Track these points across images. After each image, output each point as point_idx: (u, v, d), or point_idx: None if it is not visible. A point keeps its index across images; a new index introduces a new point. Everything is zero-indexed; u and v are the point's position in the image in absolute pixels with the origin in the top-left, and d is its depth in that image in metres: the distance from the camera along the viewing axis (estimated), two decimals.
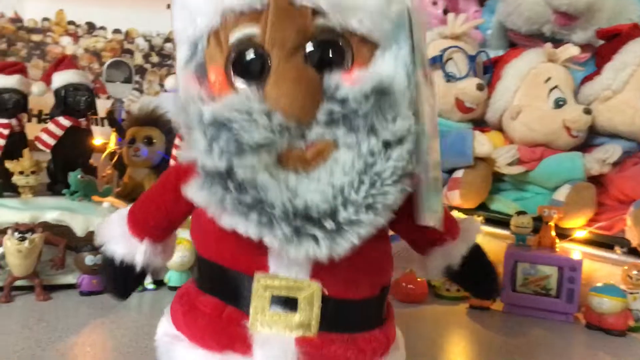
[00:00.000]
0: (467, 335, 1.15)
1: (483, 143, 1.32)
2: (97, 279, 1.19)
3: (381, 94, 0.54)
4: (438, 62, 1.36)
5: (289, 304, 0.59)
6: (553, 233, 1.23)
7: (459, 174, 1.34)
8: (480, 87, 1.34)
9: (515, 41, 1.67)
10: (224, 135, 0.52)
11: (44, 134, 1.24)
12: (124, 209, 0.72)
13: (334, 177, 0.53)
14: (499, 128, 1.40)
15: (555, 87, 1.31)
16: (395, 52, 0.57)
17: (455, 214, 1.33)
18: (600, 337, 1.11)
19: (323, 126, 0.54)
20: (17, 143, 1.26)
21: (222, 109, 0.53)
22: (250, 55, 0.56)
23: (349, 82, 0.55)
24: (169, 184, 0.66)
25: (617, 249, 1.25)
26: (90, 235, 1.23)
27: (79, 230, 1.20)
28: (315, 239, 0.52)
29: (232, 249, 0.60)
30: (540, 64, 1.34)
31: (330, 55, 0.56)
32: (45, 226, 1.19)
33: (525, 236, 1.24)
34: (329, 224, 0.52)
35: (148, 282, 1.24)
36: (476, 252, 0.73)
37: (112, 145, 1.42)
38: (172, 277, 1.25)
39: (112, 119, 1.41)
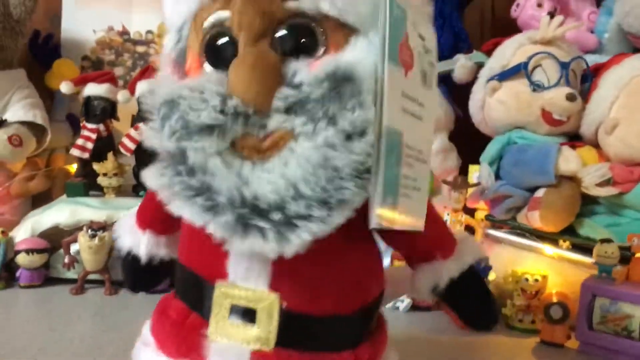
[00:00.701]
0: None
1: (569, 160, 1.17)
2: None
3: (340, 79, 0.50)
4: (523, 69, 1.24)
5: (248, 315, 0.56)
6: None
7: (540, 193, 1.20)
8: (571, 97, 1.20)
9: (637, 45, 1.48)
10: (175, 114, 0.51)
11: (126, 139, 1.33)
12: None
13: (287, 168, 0.49)
14: (595, 144, 1.23)
15: None
16: (371, 38, 0.53)
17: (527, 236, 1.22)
18: None
19: (282, 114, 0.51)
20: (105, 147, 1.36)
21: (176, 87, 0.53)
22: (220, 40, 0.55)
23: (312, 69, 0.52)
24: None
25: None
26: None
27: None
28: (262, 231, 0.49)
29: (198, 252, 0.60)
30: None
31: (302, 41, 0.53)
32: None
33: (611, 267, 1.08)
34: (276, 216, 0.49)
35: None
36: (469, 277, 0.66)
37: None
38: None
39: None
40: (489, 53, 1.39)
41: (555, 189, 1.18)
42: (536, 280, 1.15)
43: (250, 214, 0.49)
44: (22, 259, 1.21)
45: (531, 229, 1.24)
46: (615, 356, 1.03)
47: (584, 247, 1.20)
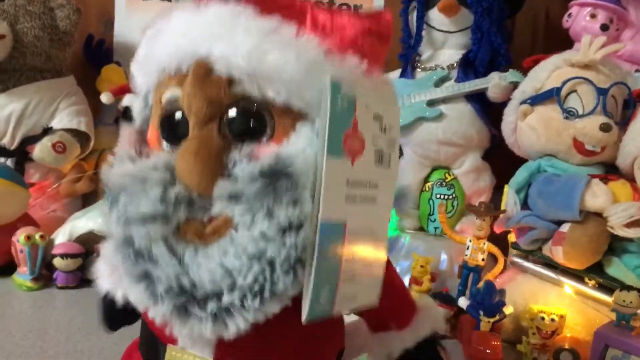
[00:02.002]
0: None
1: (597, 195, 1.10)
2: None
3: (276, 174, 0.51)
4: (555, 95, 1.17)
5: None
6: None
7: (565, 228, 1.14)
8: (605, 128, 1.12)
9: None
10: (122, 200, 0.54)
11: None
12: None
13: (226, 257, 0.51)
14: (632, 177, 1.15)
15: None
16: (317, 125, 0.54)
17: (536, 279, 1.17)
18: None
19: (224, 201, 0.52)
20: None
21: (121, 174, 0.55)
22: (175, 117, 0.57)
23: (255, 158, 0.53)
24: None
25: None
26: None
27: None
28: (199, 319, 0.51)
29: None
30: None
31: (249, 125, 0.54)
32: None
33: (630, 316, 1.02)
34: (211, 307, 0.51)
35: None
36: (424, 347, 0.65)
37: None
38: None
39: None
40: (528, 70, 1.32)
41: (581, 225, 1.12)
42: (552, 319, 1.11)
43: (187, 302, 0.51)
44: (58, 262, 1.30)
45: (556, 263, 1.19)
46: None
47: (609, 287, 1.14)
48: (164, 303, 0.51)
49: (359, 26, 0.58)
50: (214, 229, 0.52)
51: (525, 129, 1.23)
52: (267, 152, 0.53)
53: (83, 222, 1.35)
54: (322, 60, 0.54)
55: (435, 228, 1.43)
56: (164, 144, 0.58)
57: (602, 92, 1.15)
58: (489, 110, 1.37)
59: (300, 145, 0.53)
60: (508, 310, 1.16)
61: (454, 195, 1.41)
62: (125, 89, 1.41)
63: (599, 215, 1.12)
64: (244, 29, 0.53)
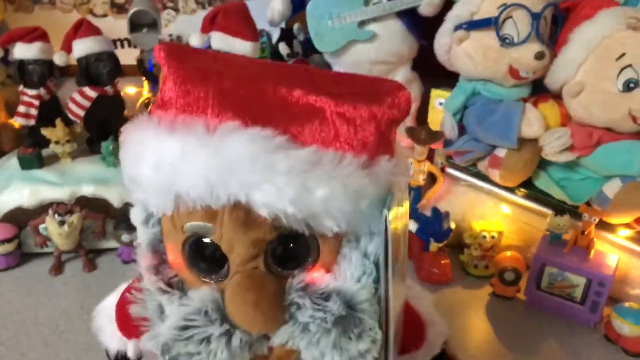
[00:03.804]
0: (484, 321, 1.19)
1: (532, 123, 1.18)
2: (134, 251, 1.27)
3: (347, 320, 0.52)
4: (494, 24, 1.16)
5: None
6: (592, 235, 1.15)
7: (501, 153, 1.23)
8: (540, 56, 1.15)
9: None
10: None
11: (73, 105, 1.23)
12: (119, 293, 0.73)
13: None
14: (559, 95, 1.22)
15: (629, 66, 1.10)
16: (364, 247, 0.54)
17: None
18: (615, 351, 1.11)
19: (286, 333, 0.53)
20: (51, 110, 1.27)
21: (180, 338, 0.54)
22: (207, 250, 0.54)
23: (311, 284, 0.53)
24: None
25: None
26: (126, 206, 1.29)
27: (115, 202, 1.26)
28: None
29: None
30: (618, 32, 1.11)
31: (294, 253, 0.53)
32: (84, 199, 1.26)
33: (561, 234, 1.18)
34: None
35: None
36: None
37: (145, 94, 1.39)
38: None
39: (143, 69, 1.36)
40: None
41: (517, 152, 1.21)
42: (493, 237, 1.24)
43: None
44: None
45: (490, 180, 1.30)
46: (557, 313, 1.18)
47: (537, 198, 1.28)
48: None
49: (382, 117, 0.54)
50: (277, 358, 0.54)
51: (461, 54, 1.23)
52: (321, 281, 0.53)
53: (5, 198, 1.23)
54: (366, 183, 0.52)
55: None
56: (197, 272, 0.55)
57: (536, 17, 1.16)
58: (420, 24, 1.34)
59: (356, 274, 0.53)
60: (453, 225, 1.28)
61: None
62: (13, 37, 1.20)
63: (530, 141, 1.21)
64: (284, 170, 0.49)
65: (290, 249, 0.53)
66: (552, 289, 1.17)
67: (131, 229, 1.26)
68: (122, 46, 1.65)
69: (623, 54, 1.11)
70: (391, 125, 0.55)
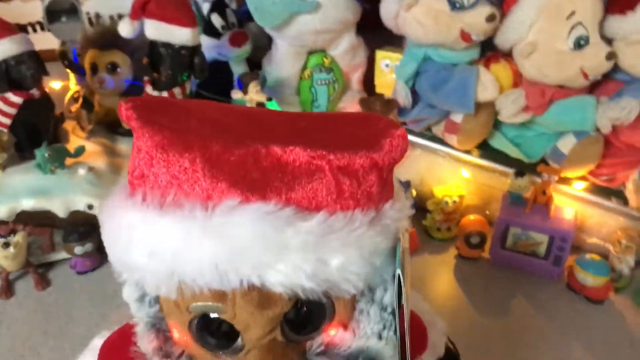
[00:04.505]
0: (453, 283, 1.23)
1: (486, 87, 1.18)
2: (89, 260, 1.20)
3: None
4: None
5: None
6: (551, 193, 1.19)
7: (457, 118, 1.23)
8: (491, 19, 1.13)
9: None
10: None
11: None
12: (94, 350, 0.66)
13: None
14: (509, 53, 1.21)
15: (579, 23, 1.11)
16: (379, 298, 0.53)
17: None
18: (579, 300, 1.18)
19: None
20: None
21: None
22: (216, 325, 0.51)
23: (332, 345, 0.52)
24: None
25: (614, 200, 1.22)
26: (73, 215, 1.20)
27: (61, 212, 1.16)
28: None
29: None
30: None
31: (309, 315, 0.51)
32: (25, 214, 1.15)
33: (521, 194, 1.20)
34: None
35: None
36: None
37: (73, 87, 1.27)
38: None
39: (67, 61, 1.22)
40: None
41: (473, 117, 1.21)
42: (454, 201, 1.26)
43: None
44: None
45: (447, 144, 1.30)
46: (522, 269, 1.23)
47: (493, 158, 1.30)
48: None
49: (383, 164, 0.51)
50: None
51: (411, 21, 1.19)
52: (341, 341, 0.52)
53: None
54: (379, 242, 0.50)
55: None
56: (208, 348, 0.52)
57: None
58: None
59: (377, 328, 0.52)
60: (413, 193, 1.29)
61: (334, 78, 1.37)
62: None
63: (487, 103, 1.21)
64: (297, 246, 0.45)
65: (305, 314, 0.50)
66: (516, 248, 1.21)
67: (84, 239, 1.20)
68: (35, 30, 1.48)
69: (573, 12, 1.11)
70: (392, 170, 0.52)
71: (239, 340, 0.50)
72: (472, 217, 1.25)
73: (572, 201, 1.24)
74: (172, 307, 0.51)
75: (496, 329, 1.10)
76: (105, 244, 0.51)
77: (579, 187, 1.23)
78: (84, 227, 1.17)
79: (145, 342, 0.54)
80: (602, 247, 1.24)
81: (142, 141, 0.47)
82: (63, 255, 1.21)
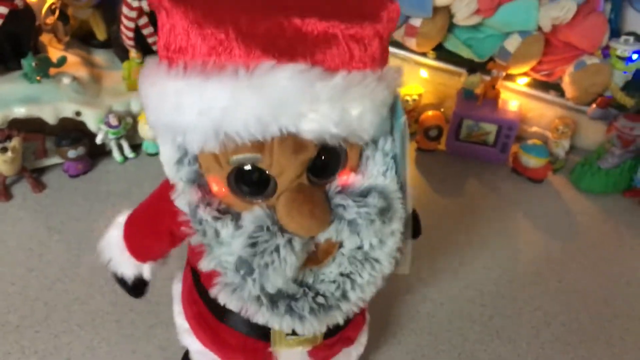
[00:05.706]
0: (415, 173, 1.38)
1: None
2: (81, 164, 1.28)
3: (385, 210, 0.62)
4: None
5: None
6: (498, 87, 1.34)
7: (416, 22, 1.34)
8: None
9: None
10: (255, 274, 0.61)
11: None
12: (120, 226, 0.78)
13: (341, 267, 0.65)
14: None
15: None
16: (382, 146, 0.63)
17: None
18: (522, 180, 1.35)
19: (334, 230, 0.62)
20: None
21: (254, 254, 0.60)
22: (255, 176, 0.60)
23: (347, 186, 0.62)
24: (163, 226, 0.72)
25: (552, 92, 1.38)
26: (62, 121, 1.27)
27: (50, 119, 1.23)
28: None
29: None
30: None
31: (330, 165, 0.61)
32: (17, 121, 1.21)
33: (473, 90, 1.34)
34: (345, 306, 0.66)
35: (128, 151, 1.33)
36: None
37: None
38: (148, 147, 1.36)
39: None
40: None
41: (431, 20, 1.32)
42: (414, 100, 1.39)
43: (320, 310, 0.65)
44: None
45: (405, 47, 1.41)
46: (473, 157, 1.39)
47: (448, 59, 1.43)
48: (308, 322, 0.65)
49: (384, 32, 0.62)
50: (326, 252, 0.64)
51: None
52: (354, 182, 0.62)
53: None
54: (386, 95, 0.59)
55: None
56: (245, 194, 0.60)
57: None
58: None
59: (382, 170, 0.63)
60: None
61: None
62: None
63: (443, 7, 1.32)
64: (326, 98, 0.54)
65: (325, 160, 0.60)
66: (469, 139, 1.36)
67: (76, 143, 1.27)
68: None
69: None
70: (389, 38, 0.63)
71: (270, 186, 0.60)
72: (430, 112, 1.38)
73: (516, 95, 1.39)
74: (212, 163, 0.59)
75: (454, 207, 1.27)
76: (149, 112, 0.59)
77: (522, 83, 1.39)
78: (75, 132, 1.25)
79: (189, 195, 0.62)
80: (542, 135, 1.41)
81: (176, 19, 0.54)
82: (55, 160, 1.29)
